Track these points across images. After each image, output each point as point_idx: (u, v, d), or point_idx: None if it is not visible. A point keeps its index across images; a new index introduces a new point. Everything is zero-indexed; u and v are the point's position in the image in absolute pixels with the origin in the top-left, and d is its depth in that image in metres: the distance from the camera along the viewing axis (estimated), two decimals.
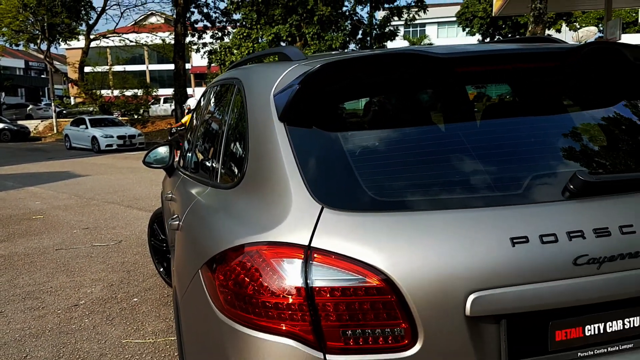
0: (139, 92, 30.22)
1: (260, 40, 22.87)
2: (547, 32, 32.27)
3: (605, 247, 1.27)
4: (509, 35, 34.32)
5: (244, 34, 22.83)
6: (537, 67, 1.58)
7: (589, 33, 29.41)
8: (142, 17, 36.88)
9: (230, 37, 25.26)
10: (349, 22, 23.80)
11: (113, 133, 19.83)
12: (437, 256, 1.22)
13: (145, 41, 33.65)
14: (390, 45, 25.52)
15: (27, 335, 3.50)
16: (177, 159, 10.21)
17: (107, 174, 12.48)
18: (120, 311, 3.87)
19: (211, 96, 2.77)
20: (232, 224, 1.53)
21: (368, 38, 24.45)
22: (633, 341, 1.34)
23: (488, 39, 35.41)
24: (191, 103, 13.48)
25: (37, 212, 7.81)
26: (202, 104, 3.04)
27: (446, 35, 49.71)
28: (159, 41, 33.09)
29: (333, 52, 2.30)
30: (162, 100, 37.54)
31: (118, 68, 35.01)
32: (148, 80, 46.24)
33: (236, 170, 1.76)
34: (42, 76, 59.10)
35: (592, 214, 1.30)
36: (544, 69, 1.60)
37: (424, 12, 24.59)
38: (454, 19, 38.82)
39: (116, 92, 31.27)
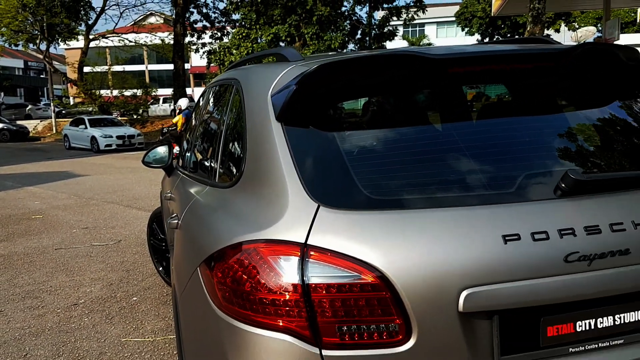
0: (138, 92, 30.24)
1: (259, 41, 22.90)
2: (546, 32, 32.33)
3: (596, 244, 1.29)
4: (508, 35, 34.36)
5: (243, 34, 22.86)
6: (530, 67, 1.61)
7: (587, 33, 29.45)
8: (142, 17, 36.92)
9: (230, 37, 25.29)
10: (348, 22, 23.84)
11: (112, 133, 19.84)
12: (430, 253, 1.25)
13: (145, 41, 33.67)
14: (389, 45, 25.56)
15: (27, 334, 3.52)
16: None
17: (106, 174, 12.50)
18: (119, 310, 3.89)
19: (210, 96, 2.79)
20: (230, 223, 1.55)
21: (367, 38, 24.48)
22: (624, 337, 1.36)
23: (487, 39, 35.44)
24: (182, 103, 13.51)
25: (37, 212, 7.82)
26: (201, 104, 3.07)
27: (445, 35, 49.75)
28: (158, 41, 33.11)
29: (330, 53, 2.32)
30: (161, 100, 37.55)
31: (117, 68, 35.04)
32: (147, 80, 46.28)
33: (234, 170, 1.78)
34: (41, 76, 59.11)
35: (583, 212, 1.33)
36: (537, 70, 1.62)
37: (423, 12, 24.64)
38: (453, 18, 38.85)
39: (115, 92, 31.29)
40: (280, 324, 1.28)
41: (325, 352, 1.25)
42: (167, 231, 3.02)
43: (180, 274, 1.87)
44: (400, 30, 29.54)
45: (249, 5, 22.59)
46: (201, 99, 3.10)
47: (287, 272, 1.28)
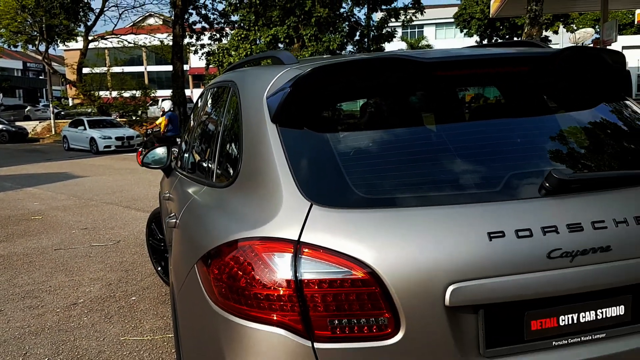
0: (137, 93, 30.23)
1: (258, 42, 22.95)
2: (544, 33, 32.44)
3: (578, 241, 1.34)
4: (507, 36, 34.44)
5: (242, 36, 22.90)
6: (517, 70, 1.66)
7: (585, 34, 29.52)
8: (141, 18, 36.95)
9: (228, 38, 25.34)
10: (346, 23, 23.92)
11: (111, 134, 19.86)
12: (418, 250, 1.30)
13: (144, 42, 33.69)
14: (388, 46, 25.63)
15: (27, 333, 3.56)
16: None
17: (105, 175, 12.53)
18: (118, 309, 3.93)
19: (208, 98, 2.84)
20: (226, 221, 1.60)
21: (365, 39, 24.55)
22: (605, 331, 1.41)
23: (486, 40, 35.53)
24: (165, 106, 13.83)
25: (36, 213, 7.86)
26: (199, 106, 3.11)
27: (444, 37, 49.84)
28: (157, 42, 33.16)
29: (324, 56, 2.37)
30: (160, 102, 37.56)
31: (116, 69, 35.01)
32: (146, 81, 46.29)
33: (231, 170, 1.83)
34: (40, 77, 59.11)
35: (566, 210, 1.38)
36: (524, 73, 1.68)
37: (421, 14, 24.74)
38: (452, 20, 38.93)
39: (114, 94, 31.29)
40: (274, 318, 1.33)
41: (317, 345, 1.30)
42: (166, 231, 3.06)
43: (178, 271, 1.91)
44: (399, 31, 29.61)
45: (248, 6, 22.65)
46: (199, 100, 3.14)
47: (280, 268, 1.33)
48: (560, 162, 1.58)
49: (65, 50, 42.53)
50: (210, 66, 25.11)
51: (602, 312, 1.40)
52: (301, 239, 1.33)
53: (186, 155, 3.00)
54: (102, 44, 33.51)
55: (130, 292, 4.28)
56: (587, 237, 1.35)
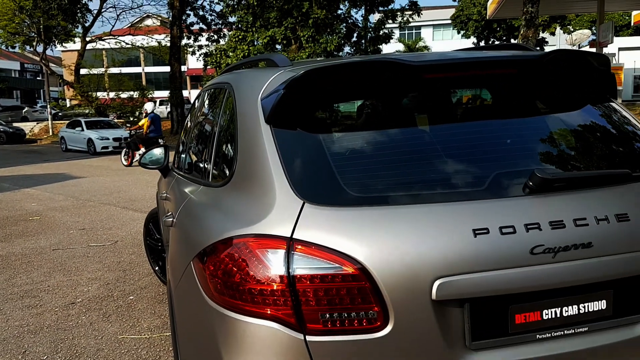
0: (135, 94, 30.28)
1: (255, 43, 22.98)
2: (541, 35, 32.55)
3: (560, 238, 1.39)
4: (504, 38, 34.54)
5: (240, 37, 22.93)
6: (503, 73, 1.72)
7: (582, 36, 29.61)
8: (138, 19, 37.01)
9: (226, 39, 25.37)
10: (343, 25, 23.97)
11: (109, 135, 19.86)
12: (406, 246, 1.35)
13: (141, 43, 33.71)
14: (385, 47, 25.70)
15: (26, 331, 3.59)
16: (136, 158, 10.36)
17: (103, 176, 12.56)
18: (116, 308, 3.96)
19: (204, 99, 2.89)
20: (222, 219, 1.65)
21: (363, 41, 24.62)
22: (588, 325, 1.46)
23: (483, 42, 35.64)
24: (148, 107, 14.27)
25: (34, 213, 7.89)
26: (196, 107, 3.16)
27: (441, 38, 49.96)
28: (154, 43, 33.18)
29: (318, 59, 2.43)
30: (157, 103, 37.59)
31: (114, 70, 35.05)
32: (144, 82, 46.33)
33: (226, 170, 1.88)
34: (38, 78, 59.08)
35: (549, 208, 1.43)
36: (511, 75, 1.74)
37: (418, 16, 24.80)
38: (449, 21, 39.02)
39: (112, 95, 31.33)
40: (268, 312, 1.38)
41: (309, 338, 1.35)
42: (163, 230, 3.10)
43: (175, 268, 1.96)
44: (397, 33, 29.68)
45: (246, 8, 22.68)
46: (196, 101, 3.19)
47: (274, 264, 1.38)
48: (544, 161, 1.64)
49: (62, 51, 42.53)
50: (208, 67, 25.12)
51: (584, 307, 1.46)
52: (294, 236, 1.38)
53: (183, 155, 3.05)
54: (99, 45, 33.52)
55: (128, 292, 4.32)
56: (569, 234, 1.40)
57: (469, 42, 37.16)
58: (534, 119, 1.84)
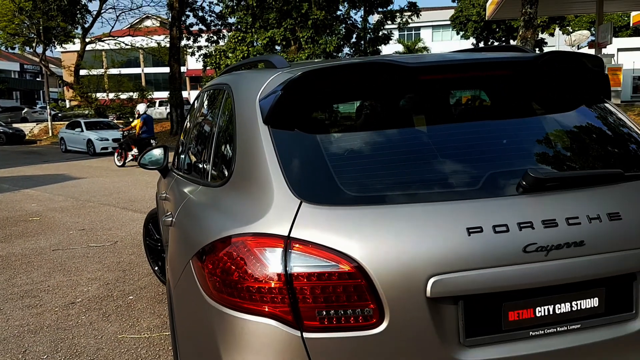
0: (135, 95, 30.30)
1: (255, 44, 23.02)
2: (540, 35, 32.60)
3: (553, 236, 1.42)
4: (503, 38, 34.59)
5: (239, 38, 22.97)
6: (498, 74, 1.75)
7: (581, 37, 29.66)
8: (138, 20, 36.97)
9: (226, 40, 25.41)
10: (343, 26, 24.02)
11: (108, 136, 19.87)
12: (402, 245, 1.37)
13: (141, 44, 33.74)
14: (384, 48, 25.74)
15: (26, 331, 3.61)
16: (129, 158, 10.51)
17: (102, 177, 12.57)
18: (116, 308, 3.98)
19: (203, 100, 2.91)
20: (220, 218, 1.67)
21: (362, 42, 24.66)
22: (580, 322, 1.49)
23: (482, 43, 35.69)
24: (140, 109, 14.57)
25: (34, 214, 7.91)
26: (195, 107, 3.19)
27: (441, 39, 50.01)
28: (154, 44, 33.20)
29: (315, 61, 2.46)
30: (157, 104, 37.61)
31: (113, 71, 35.08)
32: (143, 83, 46.37)
33: (225, 170, 1.90)
34: (38, 79, 59.10)
35: (542, 207, 1.45)
36: (505, 76, 1.76)
37: (417, 17, 24.84)
38: (448, 22, 39.07)
39: (111, 95, 31.35)
40: (266, 309, 1.40)
41: (306, 335, 1.37)
42: (163, 230, 3.13)
43: (174, 267, 1.98)
44: (396, 34, 29.70)
45: (245, 9, 22.72)
46: (196, 102, 3.22)
47: (271, 262, 1.40)
48: (538, 161, 1.66)
49: (62, 52, 42.53)
50: (208, 68, 25.17)
51: (577, 304, 1.48)
52: (291, 235, 1.40)
53: (183, 155, 3.07)
54: (99, 46, 33.54)
55: (127, 292, 4.34)
56: (562, 233, 1.43)
57: (469, 43, 37.21)
58: (528, 119, 1.87)
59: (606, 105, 1.90)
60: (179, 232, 2.08)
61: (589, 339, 1.48)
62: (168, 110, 28.66)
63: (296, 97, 1.60)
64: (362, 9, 24.63)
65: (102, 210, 8.13)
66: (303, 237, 1.40)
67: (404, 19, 24.63)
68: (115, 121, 25.59)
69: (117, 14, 49.64)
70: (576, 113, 1.86)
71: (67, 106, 41.26)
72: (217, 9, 29.05)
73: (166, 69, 28.50)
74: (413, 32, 48.51)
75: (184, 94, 32.39)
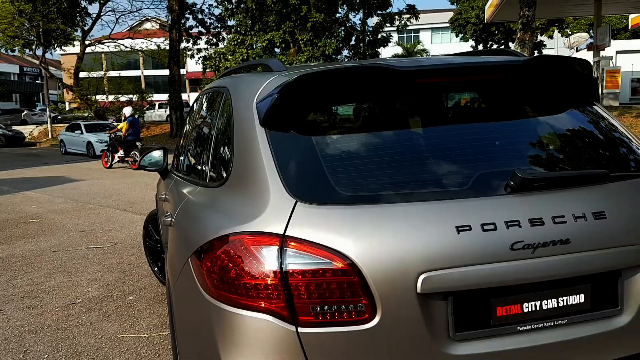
0: (134, 97, 30.34)
1: (254, 46, 23.08)
2: (539, 38, 32.69)
3: (539, 234, 1.46)
4: (502, 41, 34.70)
5: (239, 40, 23.04)
6: (489, 78, 1.80)
7: (580, 39, 29.74)
8: (137, 23, 37.11)
9: (225, 43, 25.47)
10: (342, 28, 24.08)
11: (108, 138, 19.90)
12: (393, 242, 1.42)
13: (140, 47, 33.80)
14: (383, 51, 25.81)
15: (27, 331, 3.65)
16: (115, 160, 10.68)
17: (102, 179, 12.61)
18: (116, 309, 4.02)
19: (202, 103, 2.96)
20: (218, 218, 1.72)
21: (361, 44, 24.73)
22: (567, 317, 1.53)
23: (481, 45, 35.80)
24: (126, 112, 15.24)
25: (34, 216, 7.94)
26: (194, 110, 3.23)
27: (440, 41, 50.14)
28: (154, 47, 33.28)
29: (312, 64, 2.51)
30: (157, 106, 37.68)
31: (113, 73, 35.12)
32: (143, 85, 46.44)
33: (223, 171, 1.95)
34: (37, 82, 59.14)
35: (529, 206, 1.50)
36: (496, 80, 1.81)
37: (416, 19, 24.92)
38: (448, 25, 39.18)
39: (111, 98, 31.38)
40: (262, 305, 1.45)
41: (300, 330, 1.42)
42: (162, 230, 3.17)
43: (174, 265, 2.03)
44: (395, 36, 29.79)
45: (244, 11, 22.80)
46: (195, 104, 3.26)
47: (267, 260, 1.45)
48: (526, 162, 1.71)
49: (62, 54, 42.64)
50: (207, 70, 25.23)
51: (563, 300, 1.52)
52: (286, 233, 1.45)
53: (182, 157, 3.12)
54: (99, 48, 33.62)
55: (127, 292, 4.38)
56: (548, 231, 1.47)
57: (468, 46, 37.30)
58: (518, 122, 1.92)
59: (594, 107, 1.94)
60: (178, 232, 2.12)
61: (575, 334, 1.53)
62: (168, 112, 28.70)
63: (292, 100, 1.65)
64: (361, 11, 24.72)
65: (102, 212, 8.17)
66: (298, 235, 1.44)
67: (403, 22, 24.72)
68: (115, 123, 25.63)
69: (117, 17, 49.53)
70: (565, 115, 1.91)
71: (67, 108, 41.29)
72: (217, 11, 29.22)
73: (166, 72, 28.53)
74: (412, 34, 48.62)
75: (184, 96, 32.43)
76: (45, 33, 28.97)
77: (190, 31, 27.12)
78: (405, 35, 45.98)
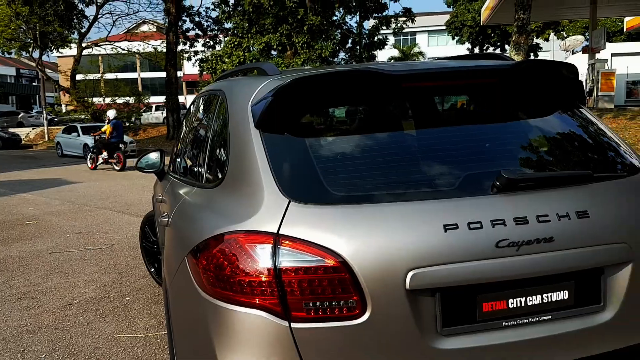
0: (131, 99, 30.31)
1: (251, 49, 23.13)
2: (535, 40, 32.85)
3: (524, 232, 1.52)
4: (498, 43, 34.86)
5: (235, 43, 23.07)
6: (476, 82, 1.85)
7: (575, 42, 29.90)
8: (134, 25, 37.09)
9: (222, 45, 25.51)
10: (338, 31, 24.18)
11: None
12: (383, 240, 1.47)
13: (137, 49, 33.80)
14: (380, 53, 25.90)
15: (24, 331, 3.68)
16: (99, 162, 10.82)
17: (98, 181, 12.63)
18: (113, 309, 4.06)
19: (199, 105, 3.01)
20: (214, 217, 1.77)
21: (357, 47, 24.82)
22: (551, 313, 1.58)
23: (477, 48, 35.95)
24: (110, 114, 15.62)
25: (30, 218, 7.96)
26: (191, 112, 3.28)
27: (436, 44, 50.33)
28: (150, 49, 33.24)
29: (305, 68, 2.57)
30: (153, 108, 37.68)
31: (110, 76, 35.07)
32: (140, 88, 46.36)
33: (218, 172, 2.00)
34: (34, 84, 59.05)
35: (514, 206, 1.56)
36: (484, 84, 1.87)
37: (412, 22, 25.04)
38: (444, 27, 39.34)
39: (108, 100, 31.33)
40: (256, 301, 1.49)
41: (293, 325, 1.47)
42: (159, 231, 3.21)
43: (170, 265, 2.07)
44: (391, 39, 29.92)
45: (241, 14, 22.85)
46: (191, 107, 3.31)
47: (261, 257, 1.50)
48: (512, 163, 1.77)
49: (58, 57, 42.57)
50: (204, 73, 25.26)
51: (547, 297, 1.58)
52: (280, 232, 1.50)
53: (178, 159, 3.17)
54: (95, 50, 33.57)
55: (124, 293, 4.42)
56: (532, 229, 1.53)
57: (464, 48, 37.46)
58: (506, 124, 1.97)
59: (581, 110, 2.00)
60: (175, 232, 2.17)
61: (559, 329, 1.58)
62: (164, 114, 28.70)
63: (286, 103, 1.70)
64: (357, 14, 24.81)
65: (99, 213, 8.19)
66: (291, 234, 1.49)
67: (399, 25, 24.82)
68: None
69: (114, 19, 49.66)
70: (551, 118, 1.96)
71: (64, 111, 41.20)
72: (214, 14, 29.14)
73: (163, 74, 28.59)
74: (409, 37, 48.80)
75: (181, 98, 32.44)
76: (42, 35, 28.96)
77: (187, 34, 27.17)
78: (401, 37, 46.16)
